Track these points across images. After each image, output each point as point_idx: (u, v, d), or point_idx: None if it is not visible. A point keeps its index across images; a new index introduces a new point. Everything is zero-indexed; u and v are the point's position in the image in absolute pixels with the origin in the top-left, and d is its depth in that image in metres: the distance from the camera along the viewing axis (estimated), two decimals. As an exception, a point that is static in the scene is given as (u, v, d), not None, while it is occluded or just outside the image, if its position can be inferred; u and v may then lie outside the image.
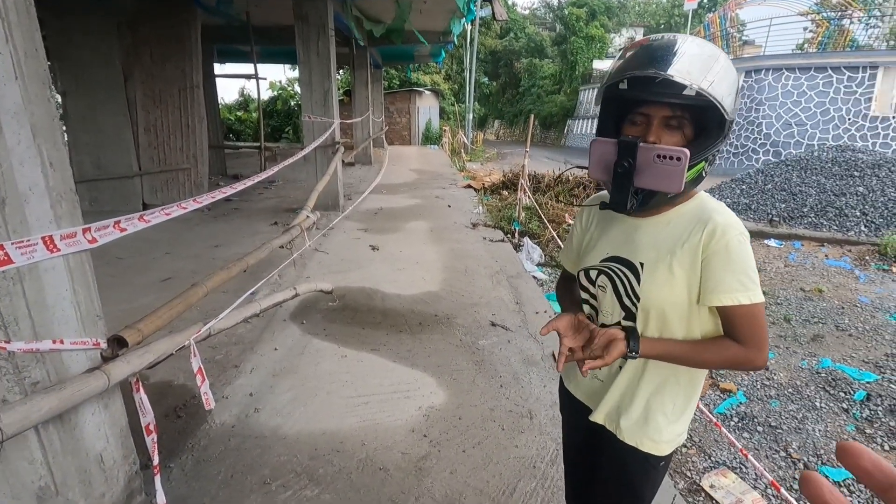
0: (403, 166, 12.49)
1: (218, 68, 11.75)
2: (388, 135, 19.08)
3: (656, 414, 1.06)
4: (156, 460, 1.63)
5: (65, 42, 5.83)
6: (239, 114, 23.02)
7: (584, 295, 1.15)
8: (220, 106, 13.24)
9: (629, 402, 1.08)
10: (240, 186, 2.89)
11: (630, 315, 1.04)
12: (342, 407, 2.43)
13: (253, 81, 8.77)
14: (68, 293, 1.37)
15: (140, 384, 1.60)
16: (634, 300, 1.02)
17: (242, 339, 3.07)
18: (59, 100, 6.26)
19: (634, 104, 0.95)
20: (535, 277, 4.57)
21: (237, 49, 10.93)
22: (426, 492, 1.90)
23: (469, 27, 17.71)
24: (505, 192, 8.67)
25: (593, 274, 1.10)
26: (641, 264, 1.01)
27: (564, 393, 1.29)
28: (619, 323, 1.06)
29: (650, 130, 0.93)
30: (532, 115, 7.43)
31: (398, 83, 22.84)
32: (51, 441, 1.31)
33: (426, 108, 22.75)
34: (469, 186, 9.45)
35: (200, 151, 6.63)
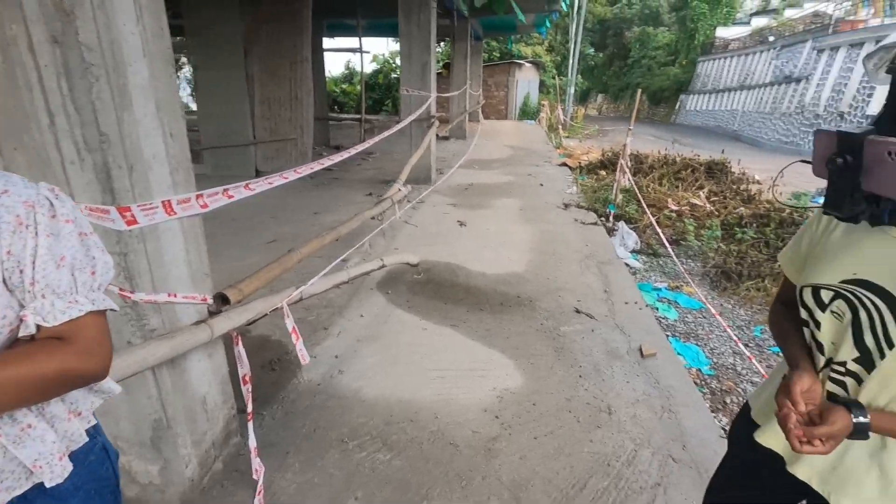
0: (497, 141, 12.32)
1: (326, 42, 12.30)
2: (485, 108, 18.86)
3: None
4: (250, 408, 1.80)
5: (197, 20, 6.43)
6: (344, 86, 24.07)
7: (804, 315, 0.92)
8: (326, 79, 13.93)
9: (865, 470, 0.86)
10: (338, 158, 3.02)
11: (867, 359, 0.82)
12: (419, 378, 2.50)
13: (356, 55, 9.06)
14: (182, 252, 1.52)
15: (240, 338, 1.76)
16: (883, 343, 0.79)
17: (332, 304, 3.27)
18: (191, 74, 6.95)
19: None
20: (627, 265, 4.31)
21: (345, 23, 11.34)
22: (493, 473, 1.91)
23: (577, -6, 16.73)
24: (602, 172, 8.21)
25: (826, 296, 0.86)
26: None
27: (747, 437, 1.03)
28: (844, 364, 0.85)
29: None
30: (640, 91, 6.87)
31: (498, 55, 22.38)
32: (164, 381, 1.49)
33: (525, 82, 22.09)
34: (564, 164, 9.09)
35: (307, 122, 7.04)
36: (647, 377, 2.55)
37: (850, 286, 0.84)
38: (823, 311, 0.87)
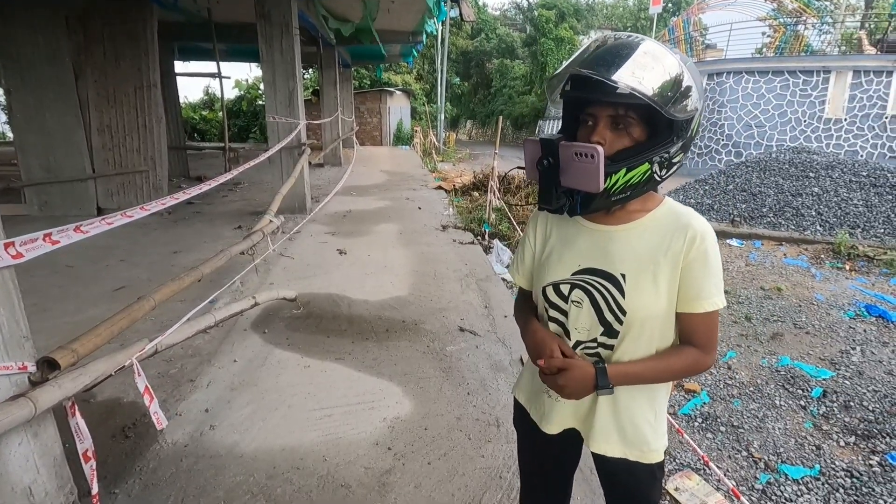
0: (374, 167, 12.36)
1: (180, 66, 11.36)
2: (359, 135, 18.85)
3: (643, 426, 1.06)
4: (94, 489, 1.52)
5: (7, 38, 5.52)
6: (204, 113, 22.38)
7: (551, 312, 1.08)
8: (182, 105, 12.81)
9: (612, 420, 1.06)
10: (197, 190, 2.77)
11: (610, 330, 1.01)
12: (303, 421, 2.34)
13: (216, 80, 8.50)
14: (-13, 314, 1.25)
15: (76, 408, 1.49)
16: (619, 314, 0.98)
17: (199, 351, 2.94)
18: (3, 98, 5.91)
19: (584, 104, 0.94)
20: (504, 280, 4.56)
21: (200, 47, 10.58)
22: (389, 508, 1.84)
23: (439, 27, 17.67)
24: (476, 194, 8.66)
25: (565, 289, 1.04)
26: (623, 276, 0.97)
27: (520, 407, 1.25)
28: (595, 339, 1.03)
29: (595, 130, 0.92)
30: (500, 117, 7.42)
31: (369, 83, 22.61)
32: (-33, 478, 1.20)
33: (397, 108, 22.60)
34: (440, 188, 9.41)
35: (159, 153, 6.37)
36: (528, 385, 2.68)
37: (580, 276, 1.02)
38: (567, 302, 1.04)
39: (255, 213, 6.60)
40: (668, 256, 0.96)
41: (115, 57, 6.00)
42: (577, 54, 0.92)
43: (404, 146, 19.96)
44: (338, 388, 2.63)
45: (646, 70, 0.85)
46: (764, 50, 19.72)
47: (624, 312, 0.98)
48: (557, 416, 1.11)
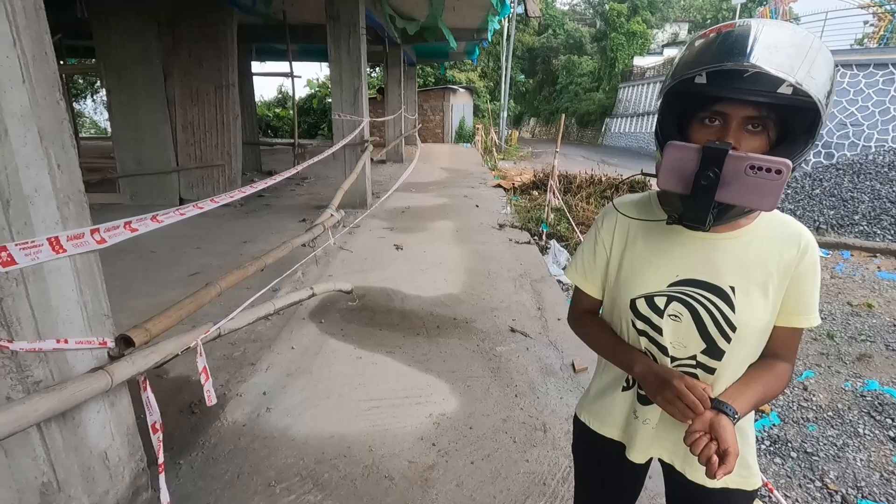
0: (434, 164, 12.48)
1: (256, 66, 12.02)
2: (421, 132, 19.12)
3: (745, 449, 0.95)
4: (160, 459, 1.64)
5: (107, 41, 6.08)
6: (277, 110, 23.59)
7: (639, 325, 0.96)
8: (257, 103, 13.57)
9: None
10: (266, 183, 2.92)
11: (713, 347, 0.90)
12: (352, 410, 2.41)
13: (289, 79, 8.92)
14: (74, 293, 1.39)
15: (147, 383, 1.62)
16: (727, 330, 0.88)
17: (261, 337, 3.11)
18: (105, 97, 6.52)
19: (709, 101, 0.80)
20: (559, 282, 4.45)
21: (274, 47, 11.16)
22: (430, 504, 1.86)
23: (505, 23, 17.51)
24: (535, 193, 8.52)
25: (660, 301, 0.92)
26: (732, 288, 0.88)
27: (586, 430, 1.11)
28: (694, 357, 0.92)
29: (727, 133, 0.79)
30: (563, 115, 7.24)
31: (433, 81, 22.88)
32: (53, 439, 1.33)
33: (460, 106, 22.69)
34: (499, 186, 9.34)
35: (234, 148, 6.79)
36: (579, 392, 2.60)
37: (680, 288, 0.91)
38: (661, 316, 0.93)
39: (319, 206, 6.87)
40: (781, 267, 0.87)
41: (199, 58, 6.45)
42: (710, 41, 0.78)
43: (465, 144, 19.99)
44: (387, 380, 2.68)
45: (815, 65, 0.73)
46: (865, 41, 17.85)
47: (733, 328, 0.88)
48: (649, 445, 1.00)
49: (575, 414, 1.18)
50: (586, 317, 1.09)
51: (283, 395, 2.52)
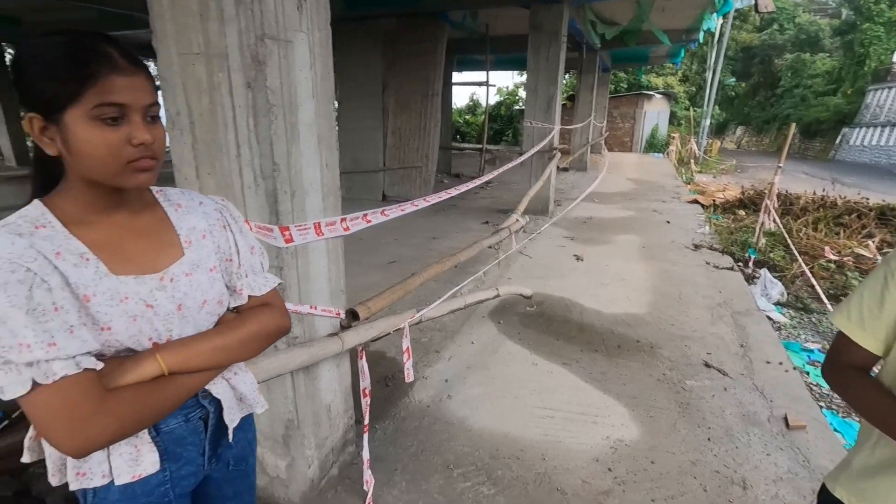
0: (620, 174, 11.83)
1: (455, 76, 12.95)
2: (608, 141, 18.28)
3: None
4: (366, 420, 1.90)
5: (346, 57, 7.20)
6: (467, 117, 25.04)
7: None
8: (452, 110, 14.63)
9: None
10: (464, 188, 3.13)
11: None
12: (527, 415, 2.44)
13: (481, 87, 9.40)
14: (325, 269, 1.68)
15: (363, 353, 1.88)
16: None
17: (445, 328, 3.34)
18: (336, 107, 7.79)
19: None
20: (769, 318, 3.81)
21: (472, 58, 11.88)
22: (603, 531, 1.77)
23: (720, 22, 15.64)
24: (741, 212, 7.43)
25: None
26: None
27: None
28: None
29: None
30: (792, 124, 6.14)
31: (625, 86, 21.69)
32: (299, 385, 1.64)
33: (654, 113, 21.04)
34: (695, 201, 8.40)
35: (432, 152, 7.43)
36: (793, 453, 2.20)
37: None
38: None
39: (501, 210, 7.10)
40: None
41: (411, 70, 7.23)
42: None
43: (657, 154, 18.49)
44: (561, 392, 2.64)
45: None
46: None
47: None
48: None
49: (823, 486, 0.98)
50: (854, 374, 0.89)
51: (462, 385, 2.68)
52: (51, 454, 0.78)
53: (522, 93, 23.94)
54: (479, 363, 2.92)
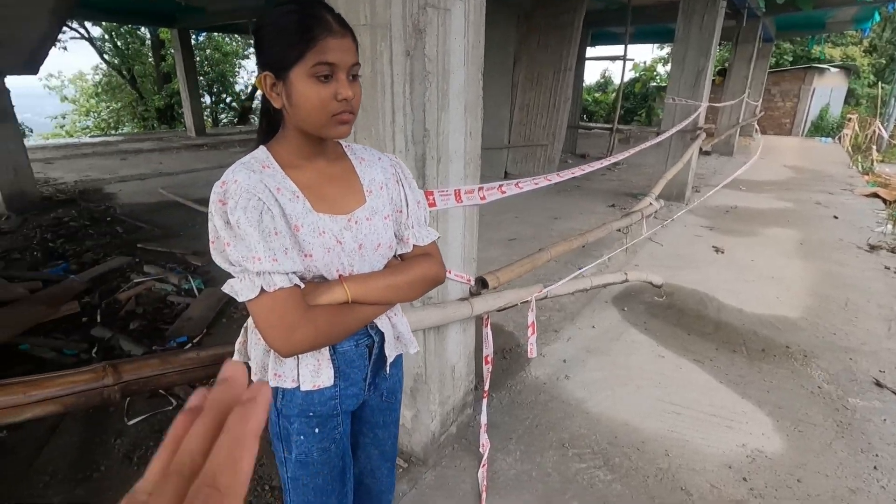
0: (774, 160, 10.36)
1: (588, 51, 12.27)
2: (762, 122, 16.05)
3: None
4: (486, 386, 1.95)
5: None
6: (597, 95, 23.68)
7: None
8: (583, 87, 13.95)
9: None
10: (595, 165, 3.00)
11: None
12: (649, 407, 2.31)
13: (614, 63, 8.78)
14: (460, 236, 1.74)
15: (489, 321, 1.92)
16: None
17: (565, 308, 3.28)
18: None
19: None
20: (971, 341, 3.11)
21: (609, 31, 11.13)
22: (734, 541, 1.64)
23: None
24: (939, 211, 6.09)
25: None
26: None
27: None
28: None
29: None
30: None
31: (790, 59, 18.75)
32: (429, 343, 1.74)
33: (825, 90, 17.92)
34: (874, 195, 7.07)
35: (559, 130, 7.19)
36: None
37: None
38: None
39: (629, 194, 6.67)
40: None
41: (545, 44, 7.00)
42: None
43: (824, 138, 15.84)
44: (691, 390, 2.45)
45: None
46: None
47: None
48: None
49: None
50: None
51: (581, 368, 2.61)
52: (255, 357, 0.93)
53: (661, 68, 21.93)
54: (600, 348, 2.82)
